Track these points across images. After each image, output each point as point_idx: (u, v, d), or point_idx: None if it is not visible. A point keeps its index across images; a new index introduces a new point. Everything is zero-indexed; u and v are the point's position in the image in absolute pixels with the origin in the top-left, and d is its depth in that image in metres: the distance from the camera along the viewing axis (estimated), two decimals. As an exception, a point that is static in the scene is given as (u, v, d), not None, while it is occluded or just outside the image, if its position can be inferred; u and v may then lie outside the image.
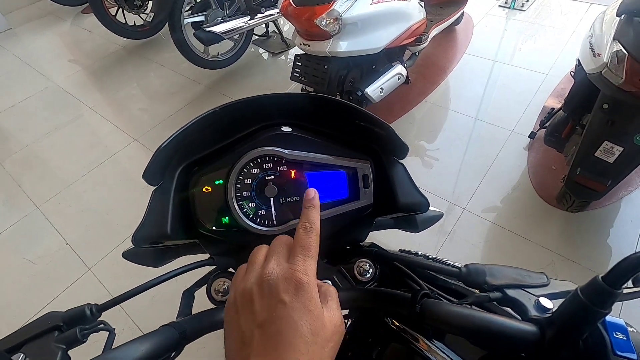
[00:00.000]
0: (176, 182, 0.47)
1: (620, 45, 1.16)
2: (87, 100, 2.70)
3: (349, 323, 0.53)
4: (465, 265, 0.42)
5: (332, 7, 1.65)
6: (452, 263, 0.46)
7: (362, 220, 0.51)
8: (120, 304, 0.40)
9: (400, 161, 0.50)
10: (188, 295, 0.47)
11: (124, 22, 3.04)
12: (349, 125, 0.49)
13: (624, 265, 0.27)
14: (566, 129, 1.58)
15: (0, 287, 1.66)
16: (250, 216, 0.47)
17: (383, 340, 0.50)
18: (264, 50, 3.04)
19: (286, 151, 0.46)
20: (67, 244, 1.80)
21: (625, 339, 0.30)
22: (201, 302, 0.48)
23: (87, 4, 2.86)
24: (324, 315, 0.31)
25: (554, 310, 0.34)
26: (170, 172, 0.47)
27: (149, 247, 0.46)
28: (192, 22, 2.54)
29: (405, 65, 2.13)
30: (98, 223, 1.89)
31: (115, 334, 0.39)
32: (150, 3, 3.01)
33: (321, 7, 1.66)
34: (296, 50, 2.06)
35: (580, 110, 1.48)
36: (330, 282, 0.40)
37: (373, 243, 0.53)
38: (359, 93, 1.90)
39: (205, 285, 0.47)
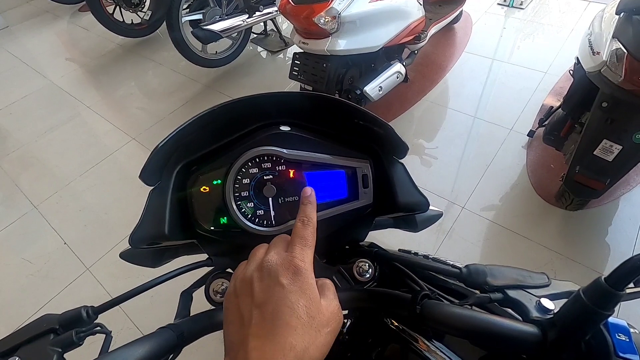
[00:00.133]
0: (174, 182, 0.47)
1: (619, 44, 1.16)
2: (85, 99, 2.68)
3: (348, 323, 0.53)
4: (466, 266, 0.41)
5: (331, 5, 1.64)
6: (452, 263, 0.45)
7: (361, 220, 0.50)
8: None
9: (400, 160, 0.49)
10: (186, 296, 0.47)
11: (121, 20, 3.03)
12: (348, 124, 0.48)
13: (627, 267, 0.27)
14: (565, 127, 1.58)
15: (-2, 287, 1.66)
16: (249, 216, 0.46)
17: (382, 341, 0.50)
18: (262, 49, 3.02)
19: (285, 151, 0.46)
20: (65, 243, 1.79)
21: (627, 340, 0.30)
22: (201, 303, 0.47)
23: (84, 2, 2.85)
24: (321, 302, 0.32)
25: (555, 311, 0.34)
26: (167, 172, 0.46)
27: (146, 248, 0.46)
28: (190, 20, 2.53)
29: (404, 63, 2.12)
30: (96, 222, 1.88)
31: (112, 337, 0.38)
32: (148, 1, 3.00)
33: (320, 5, 1.65)
34: (295, 49, 2.05)
35: (579, 108, 1.48)
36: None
37: (372, 243, 0.53)
38: (358, 91, 1.90)
39: (204, 286, 0.46)
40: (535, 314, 0.35)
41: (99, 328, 0.38)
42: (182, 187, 0.47)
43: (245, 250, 0.41)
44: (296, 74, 1.95)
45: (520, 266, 0.42)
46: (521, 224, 1.67)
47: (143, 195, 0.44)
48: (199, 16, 2.52)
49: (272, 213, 0.46)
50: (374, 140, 0.49)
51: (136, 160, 2.19)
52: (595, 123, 1.28)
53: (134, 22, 3.08)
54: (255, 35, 3.00)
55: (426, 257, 0.50)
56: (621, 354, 0.29)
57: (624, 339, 0.30)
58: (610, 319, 0.30)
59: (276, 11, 2.57)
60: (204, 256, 0.49)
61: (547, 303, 0.35)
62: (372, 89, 1.92)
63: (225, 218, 0.47)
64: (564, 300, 0.33)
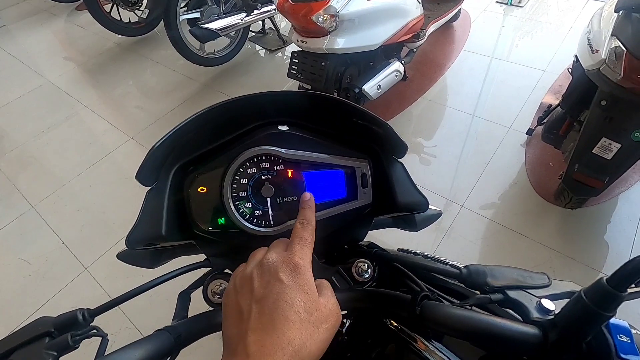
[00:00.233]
0: (171, 182, 0.46)
1: (618, 42, 1.15)
2: (82, 98, 2.67)
3: (347, 324, 0.53)
4: (466, 266, 0.41)
5: (329, 4, 1.63)
6: (451, 262, 0.45)
7: (360, 219, 0.50)
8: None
9: (399, 160, 0.49)
10: (184, 297, 0.46)
11: (118, 19, 3.01)
12: (347, 123, 0.48)
13: (629, 268, 0.27)
14: (564, 125, 1.58)
15: (-4, 288, 1.65)
16: (247, 217, 0.46)
17: (382, 341, 0.50)
18: (260, 47, 3.01)
19: (283, 150, 0.45)
20: (63, 243, 1.79)
21: (629, 341, 0.29)
22: (200, 303, 0.47)
23: (82, 1, 2.83)
24: (319, 299, 0.33)
25: (556, 311, 0.34)
26: (164, 172, 0.46)
27: (143, 249, 0.45)
28: (187, 19, 2.51)
29: (402, 62, 2.11)
30: (94, 222, 1.87)
31: (108, 340, 0.38)
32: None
33: (318, 4, 1.64)
34: (293, 47, 2.04)
35: (578, 106, 1.48)
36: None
37: (372, 242, 0.53)
38: (357, 90, 1.89)
39: (202, 287, 0.46)
40: (535, 314, 0.34)
41: (94, 331, 0.38)
42: (179, 187, 0.46)
43: (243, 251, 0.41)
44: (294, 72, 1.94)
45: (519, 264, 0.42)
46: (520, 222, 1.67)
47: (141, 195, 0.44)
48: (196, 14, 2.51)
49: (271, 213, 0.46)
50: (373, 140, 0.49)
51: (134, 160, 2.18)
52: (594, 121, 1.28)
53: (132, 20, 3.06)
54: (253, 34, 2.99)
55: (425, 256, 0.49)
56: (622, 355, 0.29)
57: (625, 340, 0.30)
58: (612, 320, 0.30)
59: (274, 9, 2.56)
60: (202, 257, 0.48)
61: (548, 304, 0.35)
62: (371, 87, 1.91)
63: (223, 218, 0.46)
64: (564, 301, 0.33)
